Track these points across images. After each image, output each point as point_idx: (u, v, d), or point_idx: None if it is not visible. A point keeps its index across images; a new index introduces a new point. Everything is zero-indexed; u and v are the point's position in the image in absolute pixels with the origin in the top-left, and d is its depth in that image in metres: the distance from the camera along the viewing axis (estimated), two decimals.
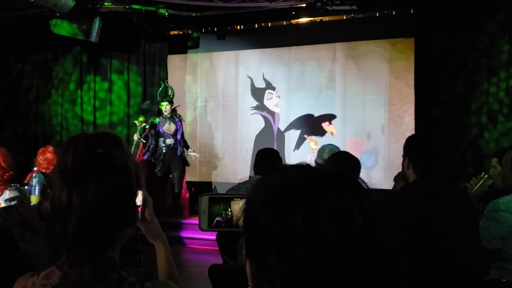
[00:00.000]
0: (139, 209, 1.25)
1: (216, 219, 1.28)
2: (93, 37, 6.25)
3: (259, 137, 7.35)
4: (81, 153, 0.98)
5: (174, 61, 7.68)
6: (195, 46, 7.56)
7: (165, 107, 6.63)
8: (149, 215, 1.23)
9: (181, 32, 7.51)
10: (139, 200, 1.25)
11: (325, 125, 6.94)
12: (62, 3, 5.48)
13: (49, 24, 6.11)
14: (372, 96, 6.73)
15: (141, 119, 6.78)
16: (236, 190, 3.02)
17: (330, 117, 6.96)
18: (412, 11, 6.10)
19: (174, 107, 6.76)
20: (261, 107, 7.38)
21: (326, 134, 6.94)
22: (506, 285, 2.02)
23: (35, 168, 4.37)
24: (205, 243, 5.82)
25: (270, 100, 7.32)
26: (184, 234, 6.31)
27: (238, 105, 7.49)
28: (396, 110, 6.57)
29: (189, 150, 6.75)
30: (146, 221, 1.23)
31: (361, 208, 0.67)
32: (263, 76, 7.31)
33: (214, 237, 3.95)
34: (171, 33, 7.48)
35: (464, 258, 2.09)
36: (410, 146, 2.25)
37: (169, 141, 6.62)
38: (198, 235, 6.01)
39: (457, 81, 5.63)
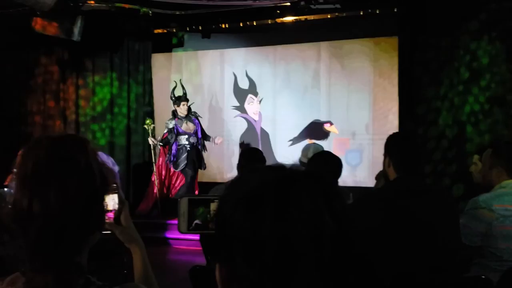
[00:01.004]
0: (112, 213, 1.23)
1: (195, 221, 1.27)
2: (75, 36, 6.17)
3: (244, 137, 7.34)
4: (43, 156, 0.95)
5: (158, 60, 7.63)
6: (180, 44, 7.51)
7: (183, 107, 6.43)
8: (124, 219, 1.22)
9: (165, 31, 7.46)
10: (114, 203, 1.23)
11: (327, 126, 6.95)
12: (41, 1, 5.39)
13: (30, 23, 6.01)
14: (356, 95, 6.76)
15: (148, 121, 6.60)
16: (219, 191, 3.00)
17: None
18: (395, 10, 6.14)
19: (189, 105, 6.60)
20: (241, 109, 7.37)
21: (330, 135, 6.93)
22: (486, 281, 2.03)
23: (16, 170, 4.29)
24: (191, 243, 5.79)
25: (251, 105, 7.31)
26: (169, 235, 6.27)
27: (224, 105, 7.47)
28: (380, 108, 6.61)
29: (212, 139, 6.55)
30: (121, 224, 1.22)
31: (332, 211, 0.66)
32: (247, 74, 7.29)
33: (199, 238, 3.92)
34: (155, 31, 7.42)
35: (445, 255, 2.10)
36: (391, 145, 2.25)
37: (193, 139, 6.46)
38: (184, 236, 5.98)
39: (440, 80, 5.68)
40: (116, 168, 3.74)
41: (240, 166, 3.35)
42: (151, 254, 1.32)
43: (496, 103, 5.32)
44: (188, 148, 6.41)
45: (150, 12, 6.70)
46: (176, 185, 6.85)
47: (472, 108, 5.47)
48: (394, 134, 2.31)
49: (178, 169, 6.49)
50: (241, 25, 7.04)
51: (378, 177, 2.49)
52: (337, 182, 2.44)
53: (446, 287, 2.03)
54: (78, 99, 7.44)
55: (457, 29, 5.54)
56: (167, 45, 7.51)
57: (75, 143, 1.00)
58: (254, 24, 6.98)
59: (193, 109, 6.71)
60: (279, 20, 6.82)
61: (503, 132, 5.26)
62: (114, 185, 1.25)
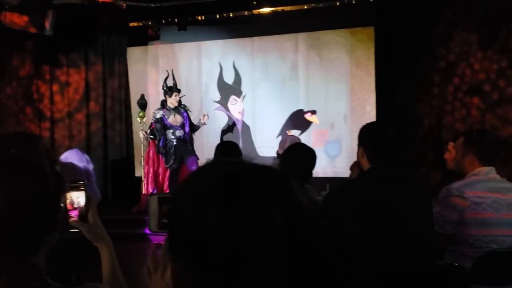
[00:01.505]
0: (75, 212, 1.21)
1: (163, 220, 1.25)
2: (48, 30, 6.04)
3: (225, 130, 7.30)
4: None
5: (134, 54, 7.52)
6: (156, 37, 7.42)
7: (174, 97, 6.27)
8: (91, 217, 1.20)
9: (140, 24, 7.35)
10: (80, 201, 1.20)
11: (307, 116, 6.94)
12: None
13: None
14: (334, 86, 6.77)
15: (141, 114, 6.45)
16: None
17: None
18: (371, 0, 6.15)
19: (180, 97, 6.46)
20: (225, 107, 7.33)
21: (312, 125, 6.92)
22: (458, 268, 2.05)
23: None
24: None
25: (234, 106, 7.26)
26: (148, 230, 6.20)
27: (203, 98, 7.41)
28: (357, 99, 6.63)
29: (198, 123, 6.45)
30: (88, 223, 1.19)
31: (285, 209, 0.62)
32: (233, 65, 7.23)
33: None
34: (131, 24, 7.31)
35: (419, 243, 2.12)
36: (364, 135, 2.24)
37: (179, 132, 6.28)
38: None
39: (416, 69, 5.72)
40: (90, 166, 3.66)
41: None
42: (138, 250, 1.29)
43: (472, 92, 5.39)
44: (175, 143, 6.29)
45: (125, 5, 6.60)
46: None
47: (448, 96, 5.53)
48: (367, 124, 2.30)
49: (168, 165, 6.37)
50: (218, 16, 6.97)
51: (353, 167, 2.49)
52: (311, 174, 2.44)
53: (421, 275, 2.04)
54: (53, 95, 7.29)
55: (432, 19, 5.58)
56: (142, 38, 7.41)
57: (26, 141, 0.96)
58: (231, 15, 6.93)
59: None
60: (255, 11, 6.78)
61: (479, 120, 5.34)
62: (81, 182, 1.23)
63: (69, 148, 5.23)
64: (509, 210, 2.25)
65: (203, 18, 7.11)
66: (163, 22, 7.23)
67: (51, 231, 0.99)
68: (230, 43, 7.28)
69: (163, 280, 0.66)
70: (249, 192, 0.62)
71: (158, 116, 6.29)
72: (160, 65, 7.51)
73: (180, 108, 6.37)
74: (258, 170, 0.66)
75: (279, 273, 0.60)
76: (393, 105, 5.81)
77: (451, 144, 2.73)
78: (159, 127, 6.25)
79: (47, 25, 6.00)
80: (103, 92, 7.28)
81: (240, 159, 0.69)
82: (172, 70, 6.63)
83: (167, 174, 6.52)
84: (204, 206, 0.61)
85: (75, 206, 1.22)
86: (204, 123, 6.45)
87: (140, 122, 6.47)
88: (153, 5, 6.67)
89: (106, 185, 7.09)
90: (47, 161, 0.96)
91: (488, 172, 2.36)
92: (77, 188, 1.23)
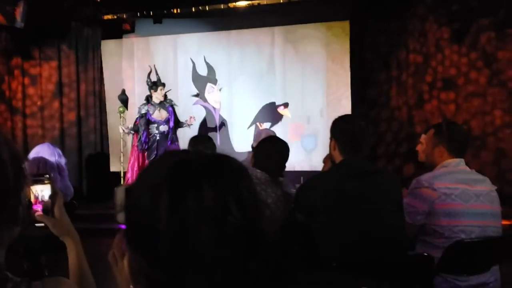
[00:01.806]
0: (40, 206, 1.19)
1: None
2: (18, 23, 5.89)
3: (202, 124, 7.26)
4: None
5: (109, 46, 7.40)
6: (131, 30, 7.31)
7: (160, 92, 6.15)
8: (57, 211, 1.18)
9: (115, 17, 7.23)
10: (44, 195, 1.18)
11: (280, 109, 6.95)
12: None
13: None
14: (310, 80, 6.80)
15: (121, 109, 6.37)
16: None
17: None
18: None
19: (165, 92, 6.33)
20: (202, 98, 7.28)
21: (287, 119, 6.93)
22: (427, 258, 2.09)
23: None
24: None
25: (211, 95, 7.22)
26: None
27: (179, 92, 7.35)
28: (333, 93, 6.68)
29: (184, 123, 6.32)
30: (53, 217, 1.18)
31: (238, 197, 0.61)
32: (205, 59, 7.20)
33: None
34: (105, 17, 7.19)
35: (390, 234, 2.15)
36: (336, 128, 2.27)
37: (163, 127, 6.15)
38: None
39: (390, 63, 5.79)
40: (62, 160, 3.60)
41: None
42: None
43: (444, 85, 5.49)
44: (158, 138, 6.18)
45: None
46: None
47: (421, 89, 5.61)
48: (339, 117, 2.32)
49: (149, 160, 6.29)
50: (193, 10, 6.92)
51: (325, 160, 2.51)
52: (284, 167, 2.45)
53: (391, 265, 2.07)
54: (25, 89, 7.13)
55: (406, 13, 5.64)
56: (117, 31, 7.30)
57: None
58: (207, 9, 6.88)
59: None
60: (231, 4, 6.75)
61: (452, 112, 5.44)
62: (46, 175, 1.20)
63: (42, 142, 5.14)
64: (477, 201, 2.30)
65: (178, 11, 7.05)
66: (138, 15, 7.14)
67: (10, 226, 0.97)
68: (206, 36, 7.24)
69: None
70: (200, 183, 0.60)
71: (142, 111, 6.19)
72: (135, 58, 7.42)
73: (166, 103, 6.26)
74: (211, 160, 0.65)
75: (230, 265, 0.59)
76: (368, 99, 5.88)
77: (423, 136, 2.77)
78: (143, 122, 6.15)
79: (18, 17, 5.85)
80: (77, 85, 7.16)
81: (195, 150, 0.68)
82: (154, 65, 6.53)
83: None
84: (155, 197, 0.60)
85: (40, 200, 1.20)
86: (191, 124, 6.37)
87: (120, 117, 6.35)
88: None
89: (80, 180, 6.99)
90: (6, 153, 0.94)
91: (458, 164, 2.40)
92: (41, 182, 1.21)
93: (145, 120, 6.16)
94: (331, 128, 2.30)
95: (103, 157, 7.03)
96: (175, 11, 7.02)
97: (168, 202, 0.59)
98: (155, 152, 6.17)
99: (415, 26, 5.62)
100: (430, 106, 5.56)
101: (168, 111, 6.22)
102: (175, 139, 6.38)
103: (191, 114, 7.15)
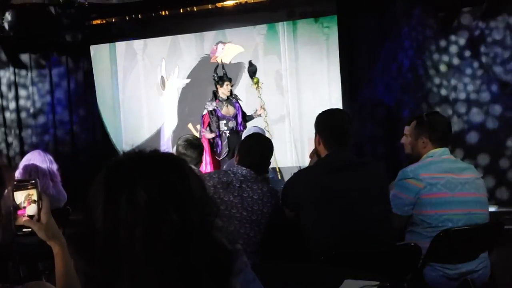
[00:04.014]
0: (22, 211, 1.19)
1: None
2: (6, 31, 5.89)
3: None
4: None
5: (98, 52, 7.40)
6: (121, 34, 7.31)
7: (226, 87, 5.84)
8: (44, 215, 1.19)
9: (104, 21, 7.23)
10: (32, 200, 1.19)
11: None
12: None
13: None
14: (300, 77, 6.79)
15: (256, 80, 5.94)
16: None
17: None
18: None
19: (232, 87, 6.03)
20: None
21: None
22: (414, 248, 2.11)
23: None
24: None
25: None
26: None
27: (176, 94, 7.34)
28: (323, 89, 6.67)
29: (253, 117, 6.04)
30: (39, 221, 1.18)
31: (173, 196, 0.60)
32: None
33: None
34: (93, 22, 7.19)
35: (377, 226, 2.17)
36: (319, 122, 2.28)
37: (232, 123, 5.88)
38: None
39: (375, 58, 5.79)
40: (54, 166, 3.61)
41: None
42: None
43: (433, 76, 5.51)
44: (228, 134, 5.88)
45: (86, 2, 6.49)
46: None
47: (406, 84, 5.63)
48: (323, 112, 2.34)
49: (221, 158, 5.94)
50: (181, 11, 6.92)
51: (312, 155, 2.52)
52: (269, 163, 2.46)
53: (379, 257, 2.09)
54: (18, 97, 7.12)
55: (388, 8, 5.64)
56: (106, 36, 7.30)
57: None
58: (195, 9, 6.88)
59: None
60: (219, 4, 6.75)
61: (439, 102, 5.46)
62: (32, 181, 1.21)
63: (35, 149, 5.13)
64: (462, 189, 2.32)
65: (167, 13, 7.04)
66: (127, 18, 7.13)
67: None
68: (198, 37, 7.23)
69: None
70: (134, 183, 0.60)
71: (210, 108, 5.91)
72: (125, 62, 7.41)
73: (232, 99, 5.98)
74: (148, 160, 0.64)
75: (164, 265, 0.58)
76: (358, 93, 5.90)
77: (406, 128, 2.80)
78: (214, 120, 5.88)
79: (6, 25, 5.85)
80: (68, 91, 7.14)
81: (139, 150, 0.67)
82: (222, 59, 6.30)
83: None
84: (94, 198, 0.61)
85: (25, 205, 1.21)
86: (259, 115, 6.07)
87: (257, 88, 6.02)
88: (115, 2, 6.57)
89: (75, 185, 6.95)
90: None
91: (442, 153, 2.42)
92: (25, 187, 1.22)
93: (216, 117, 5.89)
94: (315, 123, 2.32)
95: (95, 162, 7.03)
96: (163, 13, 7.01)
97: (103, 203, 0.60)
98: (227, 149, 5.90)
99: (396, 20, 5.60)
100: (413, 99, 5.59)
101: (235, 107, 5.96)
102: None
103: None
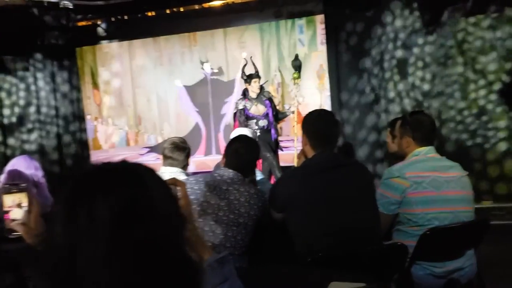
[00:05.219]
0: (8, 215, 1.20)
1: None
2: None
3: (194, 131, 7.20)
4: None
5: (85, 54, 7.34)
6: (107, 36, 7.25)
7: (254, 84, 5.69)
8: (33, 219, 1.20)
9: (89, 23, 7.16)
10: (20, 204, 1.19)
11: None
12: None
13: None
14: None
15: (295, 75, 5.73)
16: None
17: None
18: None
19: (262, 84, 5.86)
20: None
21: None
22: (400, 247, 2.12)
23: None
24: None
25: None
26: None
27: (165, 95, 7.32)
28: (312, 89, 6.69)
29: (286, 114, 5.92)
30: (27, 224, 1.19)
31: (135, 210, 0.57)
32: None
33: None
34: (79, 24, 7.11)
35: (364, 225, 2.17)
36: (306, 123, 2.29)
37: (262, 122, 5.70)
38: None
39: (361, 58, 5.80)
40: (39, 173, 3.56)
41: None
42: None
43: (418, 75, 5.53)
44: (258, 133, 5.63)
45: (71, 4, 6.42)
46: None
47: (396, 81, 5.64)
48: (309, 113, 2.34)
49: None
50: (168, 12, 6.88)
51: (299, 156, 2.52)
52: (255, 165, 2.46)
53: (366, 256, 2.09)
54: (1, 102, 7.00)
55: (379, 5, 5.66)
56: (92, 38, 7.23)
57: None
58: (181, 10, 6.85)
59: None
60: (206, 5, 6.72)
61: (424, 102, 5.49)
62: (23, 185, 1.21)
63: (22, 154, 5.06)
64: (448, 188, 2.34)
65: (154, 14, 7.00)
66: (113, 19, 7.08)
67: None
68: (183, 38, 7.21)
69: None
70: (94, 197, 0.58)
71: (240, 107, 5.77)
72: (112, 64, 7.36)
73: (263, 96, 5.80)
74: (109, 172, 0.61)
75: (126, 280, 0.55)
76: (346, 92, 5.91)
77: (388, 129, 2.82)
78: (242, 119, 5.72)
79: None
80: (54, 95, 7.05)
81: (102, 163, 0.64)
82: (251, 57, 6.14)
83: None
84: (54, 215, 0.59)
85: (13, 209, 1.22)
86: (292, 112, 5.90)
87: (294, 84, 5.87)
88: (100, 3, 6.51)
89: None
90: None
91: (427, 152, 2.44)
92: (14, 191, 1.21)
93: (244, 116, 5.74)
94: (302, 124, 2.32)
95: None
96: (149, 14, 6.97)
97: (63, 218, 0.57)
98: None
99: (386, 16, 5.62)
100: (396, 99, 5.62)
101: (265, 105, 5.78)
102: (280, 132, 5.94)
103: (180, 117, 7.15)
